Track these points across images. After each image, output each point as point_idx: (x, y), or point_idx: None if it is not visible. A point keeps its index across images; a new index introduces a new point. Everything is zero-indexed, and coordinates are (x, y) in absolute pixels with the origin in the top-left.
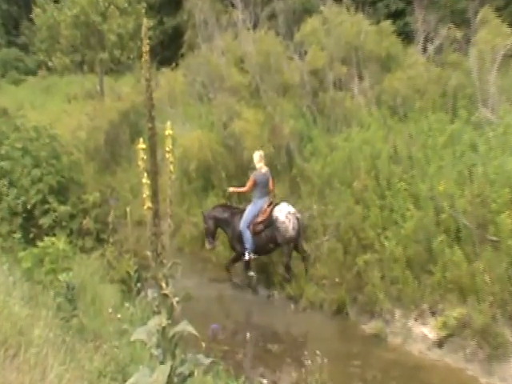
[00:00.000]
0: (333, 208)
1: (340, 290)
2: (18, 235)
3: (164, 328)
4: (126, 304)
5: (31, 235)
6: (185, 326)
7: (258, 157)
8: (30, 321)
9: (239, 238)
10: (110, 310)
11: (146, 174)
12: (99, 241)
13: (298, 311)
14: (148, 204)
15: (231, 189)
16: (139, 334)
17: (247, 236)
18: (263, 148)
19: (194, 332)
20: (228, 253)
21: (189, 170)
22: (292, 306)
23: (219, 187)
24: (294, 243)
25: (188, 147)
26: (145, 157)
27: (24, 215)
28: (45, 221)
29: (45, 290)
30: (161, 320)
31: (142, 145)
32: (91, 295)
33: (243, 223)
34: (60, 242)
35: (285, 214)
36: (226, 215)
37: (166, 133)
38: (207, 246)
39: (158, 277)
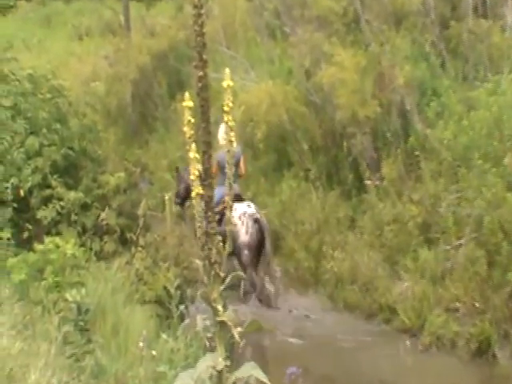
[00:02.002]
0: (472, 196)
1: (483, 319)
2: (6, 234)
3: (220, 372)
4: (164, 335)
5: (26, 234)
6: (250, 370)
7: (223, 130)
8: (25, 360)
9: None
10: (141, 344)
11: (193, 146)
12: (124, 243)
13: (417, 351)
14: (197, 189)
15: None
16: (184, 380)
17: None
18: (365, 106)
19: (264, 378)
20: (312, 262)
21: (255, 139)
22: (407, 342)
23: (299, 165)
24: (252, 253)
25: (254, 106)
26: (192, 120)
27: (15, 205)
28: (45, 213)
29: (46, 313)
30: (216, 360)
31: (187, 102)
32: (113, 322)
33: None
34: (68, 245)
35: (238, 214)
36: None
37: (224, 85)
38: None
39: (212, 296)
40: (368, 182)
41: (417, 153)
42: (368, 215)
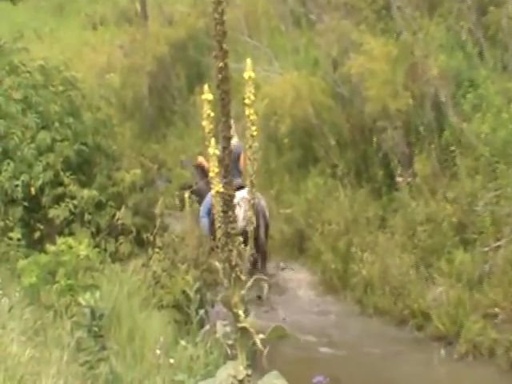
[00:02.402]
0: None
1: None
2: (16, 234)
3: (242, 382)
4: (183, 342)
5: (37, 235)
6: (274, 380)
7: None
8: (36, 367)
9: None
10: (158, 352)
11: (213, 141)
12: (141, 244)
13: (452, 359)
14: (217, 187)
15: (200, 158)
16: None
17: (204, 224)
18: (396, 99)
19: None
20: (340, 265)
21: (279, 133)
22: (442, 350)
23: (326, 161)
24: (250, 237)
25: (278, 99)
26: (212, 114)
27: (26, 204)
28: (57, 213)
29: (58, 318)
30: (237, 369)
31: (207, 95)
32: (128, 328)
33: (202, 209)
34: (81, 246)
35: (237, 200)
36: (201, 183)
37: (245, 76)
38: None
39: (233, 301)
40: (399, 179)
41: (452, 148)
42: (399, 214)
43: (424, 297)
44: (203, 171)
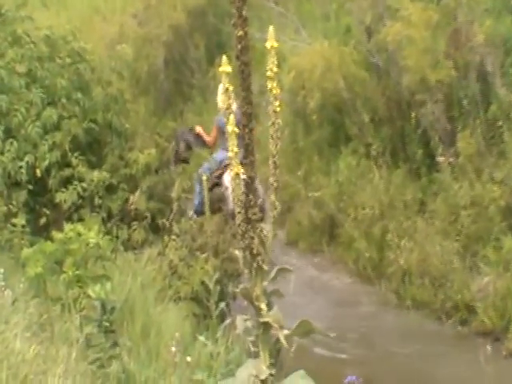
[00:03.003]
0: None
1: None
2: (20, 221)
3: (264, 382)
4: (201, 338)
5: (43, 221)
6: (299, 380)
7: (222, 91)
8: (41, 365)
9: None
10: (174, 349)
11: (232, 118)
12: (156, 230)
13: (500, 356)
14: (236, 169)
15: (198, 128)
16: None
17: (197, 190)
18: (437, 69)
19: None
20: (375, 253)
21: (307, 109)
22: (488, 347)
23: (359, 139)
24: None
25: (306, 71)
26: (231, 88)
27: (30, 187)
28: (65, 197)
29: (65, 312)
30: (259, 368)
31: (226, 67)
32: (142, 322)
33: (197, 175)
34: (91, 233)
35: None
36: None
37: (268, 46)
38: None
39: (254, 293)
40: (440, 159)
41: (499, 123)
42: (441, 198)
43: (468, 288)
44: (203, 141)
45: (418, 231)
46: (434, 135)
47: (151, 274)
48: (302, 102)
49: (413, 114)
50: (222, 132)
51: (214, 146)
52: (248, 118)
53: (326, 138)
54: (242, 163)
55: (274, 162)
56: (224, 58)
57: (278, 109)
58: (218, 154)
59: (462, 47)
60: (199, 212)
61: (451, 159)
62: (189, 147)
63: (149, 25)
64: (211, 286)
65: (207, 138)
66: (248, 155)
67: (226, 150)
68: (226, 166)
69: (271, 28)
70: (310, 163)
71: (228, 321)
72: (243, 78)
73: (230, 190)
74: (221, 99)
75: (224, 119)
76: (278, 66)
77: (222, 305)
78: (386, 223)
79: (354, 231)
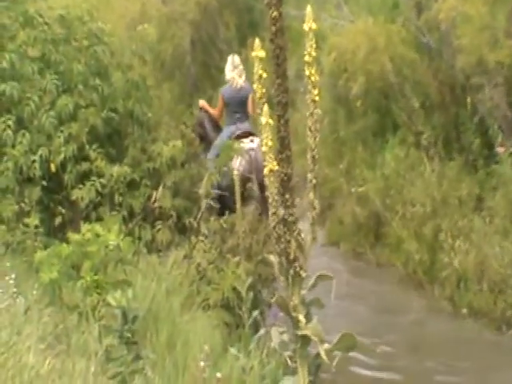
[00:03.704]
0: None
1: None
2: (33, 220)
3: None
4: (233, 350)
5: (58, 220)
6: None
7: (230, 63)
8: (56, 381)
9: None
10: (202, 364)
11: (266, 108)
12: (182, 231)
13: None
14: (271, 163)
15: (201, 101)
16: None
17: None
18: (496, 49)
19: None
20: (426, 255)
21: (349, 95)
22: None
23: (408, 128)
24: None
25: (348, 52)
26: (264, 74)
27: (44, 183)
28: (82, 194)
29: (83, 322)
30: None
31: (258, 50)
32: (168, 333)
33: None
34: (110, 234)
35: (247, 148)
36: (212, 135)
37: (306, 27)
38: None
39: (292, 303)
40: (500, 150)
41: None
42: (500, 193)
43: None
44: (212, 119)
45: (474, 231)
46: (493, 123)
47: (177, 279)
48: (343, 86)
49: (468, 100)
50: (227, 104)
51: (221, 118)
52: (283, 108)
53: (370, 126)
54: (246, 135)
55: (313, 157)
56: (257, 41)
57: (317, 98)
58: (225, 131)
59: None
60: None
61: None
62: (202, 125)
63: (173, 2)
64: (243, 292)
65: (212, 111)
66: (284, 149)
67: (231, 124)
68: (236, 139)
69: (309, 7)
70: (352, 155)
71: (262, 331)
72: (278, 63)
73: (233, 160)
74: (228, 70)
75: (230, 91)
76: (317, 47)
77: (256, 313)
78: (438, 222)
79: (403, 231)
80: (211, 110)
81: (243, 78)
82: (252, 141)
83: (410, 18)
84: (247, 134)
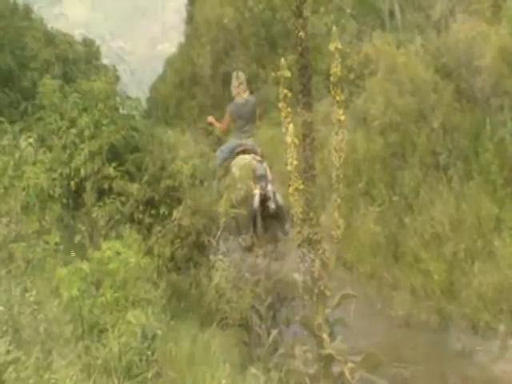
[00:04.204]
0: None
1: None
2: (53, 238)
3: None
4: (252, 369)
5: (78, 238)
6: None
7: (235, 79)
8: None
9: None
10: (223, 382)
11: (291, 127)
12: (201, 249)
13: None
14: (296, 183)
15: (210, 118)
16: None
17: (217, 155)
18: None
19: None
20: (444, 275)
21: (368, 114)
22: None
23: (427, 148)
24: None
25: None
26: (289, 94)
27: (65, 201)
28: (102, 211)
29: (103, 339)
30: None
31: (284, 71)
32: (188, 351)
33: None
34: (130, 251)
35: (238, 165)
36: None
37: (331, 48)
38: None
39: (316, 322)
40: None
41: None
42: None
43: None
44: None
45: (494, 251)
46: None
47: (196, 298)
48: (362, 106)
49: (488, 120)
50: (233, 119)
51: (226, 132)
52: (308, 127)
53: (389, 146)
54: (251, 151)
55: (338, 176)
56: (282, 60)
57: (343, 117)
58: (230, 142)
59: None
60: None
61: None
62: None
63: (194, 21)
64: (262, 310)
65: (218, 125)
66: (309, 168)
67: (238, 137)
68: (238, 154)
69: (335, 29)
70: (371, 174)
71: (281, 350)
72: (303, 83)
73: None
74: (233, 86)
75: (237, 107)
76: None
77: (275, 332)
78: (457, 242)
79: (421, 251)
80: (218, 125)
81: (247, 93)
82: (254, 159)
83: (429, 38)
84: (250, 151)
